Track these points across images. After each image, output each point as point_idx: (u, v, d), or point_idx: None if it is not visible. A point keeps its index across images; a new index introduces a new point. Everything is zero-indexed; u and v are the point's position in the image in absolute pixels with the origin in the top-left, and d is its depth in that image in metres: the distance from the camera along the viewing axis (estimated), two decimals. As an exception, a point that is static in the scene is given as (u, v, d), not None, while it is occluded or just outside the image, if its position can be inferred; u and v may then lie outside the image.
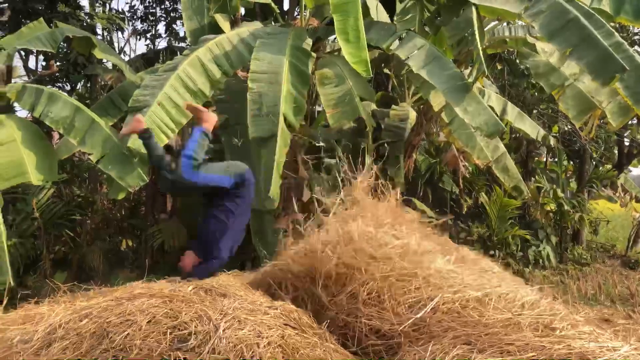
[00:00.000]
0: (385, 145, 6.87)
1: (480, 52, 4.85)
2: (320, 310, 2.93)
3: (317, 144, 8.27)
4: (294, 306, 2.75)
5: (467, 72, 5.55)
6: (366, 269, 3.00)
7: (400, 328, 2.73)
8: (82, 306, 2.97)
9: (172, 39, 9.59)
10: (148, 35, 9.93)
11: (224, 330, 2.28)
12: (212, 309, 2.44)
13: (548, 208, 8.57)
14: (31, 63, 8.90)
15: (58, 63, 7.74)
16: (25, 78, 8.84)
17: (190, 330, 2.30)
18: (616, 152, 10.14)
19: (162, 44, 10.20)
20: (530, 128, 7.21)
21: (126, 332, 2.31)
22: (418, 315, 2.73)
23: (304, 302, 3.01)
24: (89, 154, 4.90)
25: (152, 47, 9.86)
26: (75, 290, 3.86)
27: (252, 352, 2.22)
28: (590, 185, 9.18)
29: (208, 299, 2.58)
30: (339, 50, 5.61)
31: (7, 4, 7.73)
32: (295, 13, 7.04)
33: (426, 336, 2.65)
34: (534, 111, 9.15)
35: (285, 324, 2.47)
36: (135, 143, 4.52)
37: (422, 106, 6.88)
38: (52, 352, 2.30)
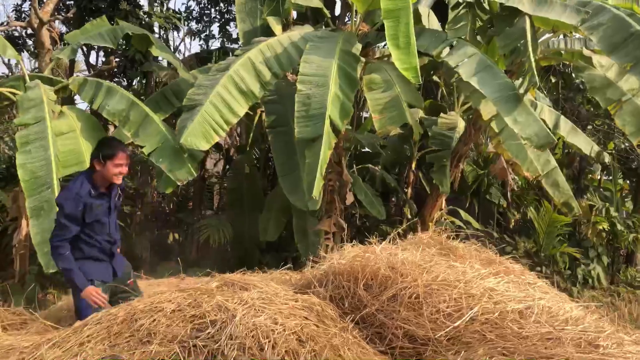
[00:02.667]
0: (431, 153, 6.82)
1: (533, 63, 4.74)
2: (359, 307, 2.94)
3: (362, 150, 8.30)
4: (326, 301, 2.78)
5: (518, 82, 5.43)
6: (410, 275, 3.00)
7: (437, 335, 2.70)
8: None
9: (225, 39, 9.81)
10: (202, 35, 10.20)
11: (240, 318, 2.34)
12: (232, 300, 2.53)
13: (600, 227, 8.25)
14: (92, 58, 9.33)
15: (117, 59, 8.06)
16: (86, 72, 9.27)
17: (210, 318, 2.41)
18: (677, 172, 9.66)
19: (215, 44, 10.50)
20: (584, 144, 6.97)
21: (152, 318, 2.44)
22: (455, 324, 2.70)
23: (344, 298, 3.02)
24: (142, 147, 5.09)
25: (205, 47, 10.12)
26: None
27: (268, 337, 2.26)
28: (647, 206, 8.79)
29: (230, 292, 2.67)
30: (388, 56, 5.62)
31: (73, 1, 8.12)
32: (346, 18, 7.09)
33: (461, 346, 2.62)
34: (589, 127, 8.84)
35: (306, 315, 2.51)
36: (187, 140, 4.66)
37: (471, 116, 6.77)
38: (84, 334, 2.43)
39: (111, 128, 8.05)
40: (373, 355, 2.63)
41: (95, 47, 8.79)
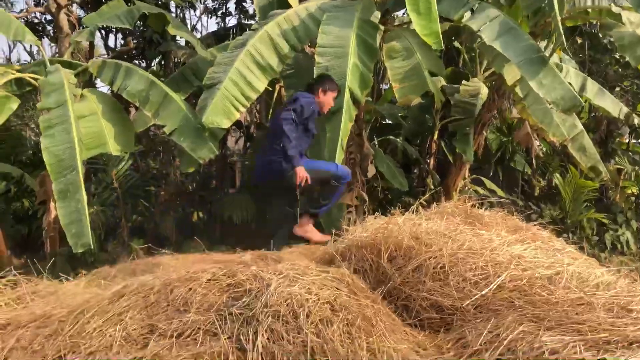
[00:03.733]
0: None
1: (559, 23, 4.58)
2: (384, 280, 2.93)
3: (383, 121, 8.22)
4: (351, 273, 2.78)
5: (543, 44, 5.27)
6: (435, 244, 2.98)
7: (463, 304, 2.68)
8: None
9: (242, 16, 9.72)
10: (219, 13, 10.12)
11: (275, 287, 2.38)
12: (266, 270, 2.57)
13: (629, 191, 8.08)
14: (110, 41, 9.36)
15: (134, 40, 8.06)
16: (105, 55, 9.31)
17: (245, 287, 2.46)
18: None
19: (232, 21, 10.43)
20: (612, 106, 6.76)
21: (188, 287, 2.48)
22: (482, 293, 2.67)
23: (368, 272, 3.02)
24: (163, 127, 5.11)
25: (222, 24, 10.04)
26: (151, 256, 4.10)
27: (302, 306, 2.29)
28: (678, 168, 8.53)
29: (263, 264, 2.69)
30: (408, 23, 5.49)
31: (88, -17, 8.11)
32: (364, -14, 6.93)
33: (488, 314, 2.60)
34: (617, 88, 8.58)
35: (337, 286, 2.52)
36: (209, 118, 4.66)
37: (494, 81, 6.62)
38: (122, 304, 2.48)
39: (132, 110, 8.11)
40: (402, 327, 2.63)
41: (113, 29, 8.81)
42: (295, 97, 4.36)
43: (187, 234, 7.01)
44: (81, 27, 7.20)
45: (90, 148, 4.82)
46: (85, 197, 4.25)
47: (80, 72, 5.58)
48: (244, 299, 2.38)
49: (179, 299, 2.44)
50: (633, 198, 8.08)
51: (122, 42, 8.99)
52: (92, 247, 4.30)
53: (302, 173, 4.17)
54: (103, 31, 8.90)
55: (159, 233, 6.88)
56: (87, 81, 6.41)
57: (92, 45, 8.32)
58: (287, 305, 2.29)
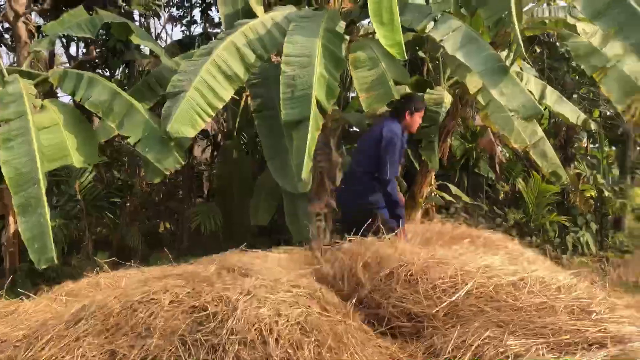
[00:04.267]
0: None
1: (518, 33, 4.71)
2: (356, 288, 2.96)
3: (350, 129, 8.27)
4: (324, 282, 2.78)
5: (504, 54, 5.40)
6: (408, 253, 3.03)
7: (433, 311, 2.73)
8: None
9: (207, 24, 9.67)
10: (184, 21, 10.05)
11: (242, 311, 2.31)
12: (233, 288, 2.49)
13: (588, 194, 8.34)
14: (72, 50, 9.17)
15: (97, 49, 7.92)
16: (67, 65, 9.11)
17: (210, 311, 2.36)
18: (662, 137, 9.76)
19: (197, 30, 10.37)
20: (570, 112, 6.99)
21: (150, 311, 2.40)
22: (450, 300, 2.73)
23: (344, 278, 3.04)
24: (127, 138, 5.03)
25: (187, 33, 9.97)
26: (116, 269, 4.03)
27: (271, 330, 2.24)
28: (634, 172, 8.88)
29: (229, 279, 2.64)
30: (373, 33, 5.56)
31: (48, -8, 7.93)
32: (329, -4, 6.99)
33: (457, 320, 2.65)
34: (574, 95, 8.87)
35: (308, 303, 2.50)
36: (173, 127, 4.61)
37: (457, 90, 6.75)
38: (80, 329, 2.40)
39: (96, 120, 7.95)
40: (376, 340, 2.65)
41: (75, 38, 8.63)
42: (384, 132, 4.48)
43: (153, 246, 6.91)
44: (41, 36, 7.04)
45: (52, 160, 4.69)
46: (47, 211, 4.15)
47: (40, 82, 5.45)
48: (209, 325, 2.30)
49: (141, 324, 2.35)
50: (592, 201, 8.34)
51: (84, 50, 8.82)
52: (56, 261, 4.19)
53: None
54: (64, 40, 8.71)
55: (125, 245, 6.75)
56: (47, 91, 6.25)
57: (52, 54, 8.14)
58: (255, 330, 2.23)
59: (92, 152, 5.09)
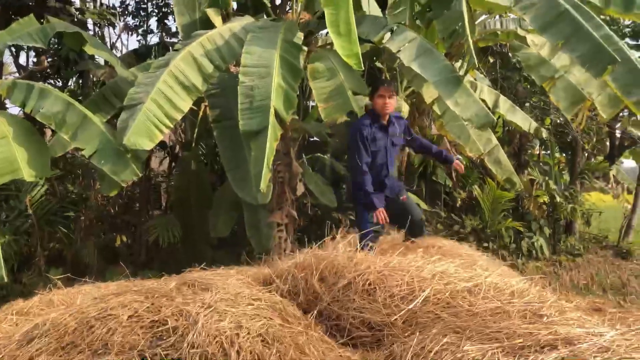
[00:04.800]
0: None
1: (471, 45, 4.87)
2: (314, 301, 2.96)
3: (310, 139, 8.31)
4: (281, 297, 2.78)
5: (458, 65, 5.56)
6: (364, 262, 3.05)
7: (393, 319, 2.76)
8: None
9: (164, 34, 9.54)
10: (140, 30, 9.88)
11: (202, 324, 2.29)
12: (193, 302, 2.46)
13: (541, 200, 8.62)
14: (22, 59, 8.87)
15: (49, 59, 7.70)
16: (16, 74, 8.81)
17: (170, 325, 2.33)
18: (608, 143, 10.20)
19: (154, 39, 10.21)
20: (523, 121, 7.24)
21: (107, 327, 2.34)
22: (409, 307, 2.77)
23: (300, 292, 3.03)
24: (82, 150, 4.90)
25: (144, 42, 9.81)
26: (70, 286, 3.90)
27: (232, 343, 2.23)
28: (583, 177, 9.22)
29: (190, 293, 2.60)
30: (331, 44, 5.62)
31: (-4, 0, 7.68)
32: (287, 7, 7.03)
33: (416, 327, 2.69)
34: (526, 104, 9.18)
35: (270, 315, 2.49)
36: (130, 140, 4.52)
37: (414, 100, 6.89)
38: (32, 348, 2.32)
39: (48, 132, 7.71)
40: (337, 350, 2.66)
41: (25, 47, 8.37)
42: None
43: (110, 260, 6.73)
44: (-11, 46, 6.80)
45: (1, 175, 4.53)
46: (-5, 227, 4.00)
47: (-13, 93, 5.25)
48: (169, 339, 2.27)
49: (98, 340, 2.29)
50: (545, 206, 8.62)
51: (35, 60, 8.55)
52: (5, 279, 4.03)
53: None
54: (13, 49, 8.43)
55: (80, 261, 6.55)
56: (-5, 103, 6.05)
57: (0, 64, 7.87)
58: (216, 343, 2.22)
59: (44, 165, 4.92)
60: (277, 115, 4.53)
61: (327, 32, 5.42)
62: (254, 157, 4.41)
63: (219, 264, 4.10)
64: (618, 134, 9.76)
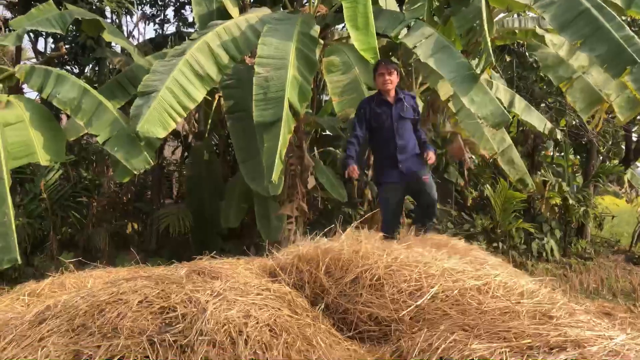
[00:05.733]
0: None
1: (489, 43, 4.82)
2: (321, 294, 2.96)
3: (322, 133, 8.30)
4: (290, 289, 2.78)
5: (475, 62, 5.52)
6: (371, 257, 3.04)
7: (401, 315, 2.76)
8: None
9: (180, 24, 9.56)
10: (157, 19, 9.91)
11: (211, 312, 2.30)
12: (203, 290, 2.47)
13: (553, 202, 8.54)
14: (40, 45, 8.94)
15: (67, 45, 7.75)
16: (34, 60, 8.88)
17: (179, 312, 2.34)
18: (623, 147, 10.07)
19: (170, 28, 10.23)
20: (538, 121, 7.17)
21: (118, 311, 2.36)
22: (417, 303, 2.76)
23: (306, 285, 3.04)
24: (97, 137, 4.94)
25: (160, 32, 9.84)
26: (81, 270, 3.95)
27: (240, 332, 2.24)
28: (597, 180, 9.11)
29: (199, 281, 2.62)
30: (347, 38, 5.61)
31: (17, -14, 7.75)
32: (304, 0, 7.02)
33: (423, 323, 2.68)
34: (542, 104, 9.09)
35: (278, 306, 2.50)
36: (144, 127, 4.55)
37: (429, 96, 6.85)
38: (43, 329, 2.34)
39: (64, 117, 7.78)
40: (344, 343, 2.66)
41: (43, 33, 8.43)
42: None
43: (120, 247, 6.79)
44: (7, 30, 6.87)
45: (17, 158, 4.58)
46: (12, 210, 4.06)
47: (5, 77, 5.31)
48: (178, 325, 2.28)
49: (108, 324, 2.31)
50: (557, 208, 8.55)
51: (53, 46, 8.62)
52: (19, 261, 4.09)
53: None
54: (32, 34, 8.50)
55: (91, 246, 6.62)
56: (13, 87, 6.10)
57: (19, 49, 7.94)
58: (225, 331, 2.22)
59: (59, 150, 4.99)
60: (291, 107, 4.54)
61: (344, 26, 5.41)
62: (266, 148, 4.43)
63: (229, 254, 4.13)
64: (634, 137, 9.63)
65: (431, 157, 4.66)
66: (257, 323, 2.32)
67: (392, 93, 4.69)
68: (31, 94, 8.22)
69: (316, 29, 5.15)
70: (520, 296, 2.70)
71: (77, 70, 8.10)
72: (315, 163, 6.33)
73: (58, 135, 5.12)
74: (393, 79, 4.65)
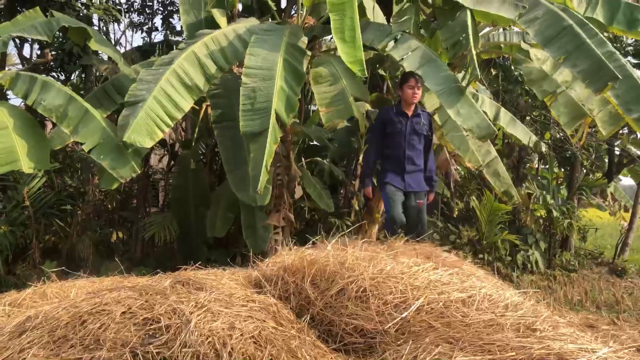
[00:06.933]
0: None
1: (474, 56, 4.89)
2: (306, 306, 2.95)
3: (310, 143, 8.32)
4: (275, 300, 2.77)
5: (461, 75, 5.58)
6: (357, 268, 3.04)
7: (386, 327, 2.76)
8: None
9: (168, 32, 9.57)
10: (144, 28, 9.91)
11: (195, 324, 2.29)
12: (187, 301, 2.46)
13: (538, 214, 8.63)
14: (26, 51, 8.88)
15: (53, 52, 7.71)
16: (20, 66, 8.81)
17: (163, 324, 2.32)
18: (606, 160, 10.22)
19: (158, 37, 10.24)
20: (523, 134, 7.25)
21: (100, 323, 2.33)
22: (402, 316, 2.76)
23: (291, 296, 3.03)
24: (82, 144, 4.90)
25: (148, 40, 9.83)
26: (64, 279, 3.89)
27: (224, 344, 2.22)
28: (580, 193, 9.23)
29: (184, 292, 2.60)
30: (335, 49, 5.63)
31: (3, -9, 7.70)
32: (292, 11, 7.07)
33: (409, 336, 2.68)
34: (527, 117, 9.20)
35: (263, 317, 2.49)
36: (131, 137, 4.53)
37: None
38: (23, 340, 2.31)
39: (49, 124, 7.71)
40: (329, 355, 2.65)
41: (29, 39, 8.37)
42: None
43: (105, 256, 6.72)
44: (-7, 36, 6.79)
45: (0, 165, 4.52)
46: (-8, 218, 3.99)
47: (-10, 83, 5.25)
48: (161, 337, 2.26)
49: (90, 335, 2.28)
50: (541, 221, 8.63)
51: (39, 52, 8.56)
52: (0, 270, 4.03)
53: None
54: (18, 40, 8.44)
55: (75, 254, 6.54)
56: (-2, 93, 6.04)
57: (4, 55, 7.87)
58: (209, 343, 2.21)
59: (44, 157, 4.93)
60: (278, 118, 4.55)
61: (331, 38, 5.45)
62: (252, 158, 4.43)
63: (215, 263, 4.11)
64: (617, 151, 9.78)
65: (430, 198, 5.34)
66: (242, 335, 2.30)
67: (412, 107, 5.11)
68: (16, 100, 8.14)
69: (304, 40, 5.18)
70: (504, 309, 2.72)
71: (63, 78, 8.05)
72: (303, 173, 6.34)
73: (42, 142, 5.06)
74: (419, 94, 5.09)
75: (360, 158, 7.52)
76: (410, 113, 5.11)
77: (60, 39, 7.48)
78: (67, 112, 4.88)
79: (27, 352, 2.25)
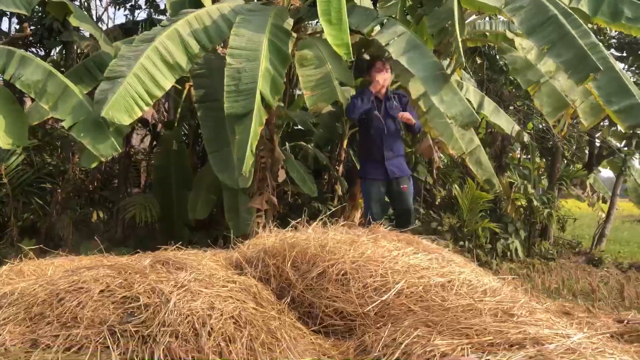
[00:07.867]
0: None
1: (459, 43, 4.87)
2: (287, 288, 2.96)
3: (294, 127, 8.28)
4: (256, 282, 2.77)
5: (446, 62, 5.58)
6: (338, 251, 3.05)
7: (366, 310, 2.77)
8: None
9: (152, 10, 9.37)
10: (127, 5, 9.68)
11: (175, 303, 2.28)
12: (167, 281, 2.44)
13: (519, 203, 8.72)
14: (4, 26, 8.66)
15: (32, 27, 7.51)
16: (-2, 41, 8.58)
17: (142, 302, 2.31)
18: (587, 152, 10.35)
19: (142, 15, 10.03)
20: (506, 123, 7.30)
21: (78, 300, 2.30)
22: (382, 299, 2.78)
23: (272, 278, 3.03)
24: (62, 121, 4.81)
25: (131, 17, 9.62)
26: (43, 257, 3.84)
27: (204, 323, 2.22)
28: (561, 184, 9.35)
29: (164, 272, 2.59)
30: (321, 32, 5.59)
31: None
32: (279, -8, 6.96)
33: (388, 319, 2.71)
34: (511, 107, 9.25)
35: (243, 298, 2.48)
36: (109, 113, 4.44)
37: (400, 94, 6.89)
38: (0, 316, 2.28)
39: (28, 101, 7.54)
40: (309, 336, 2.66)
41: (8, 13, 8.15)
42: None
43: (85, 235, 6.64)
44: (-30, 9, 6.61)
45: (-23, 141, 4.43)
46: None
47: (-34, 57, 5.10)
48: (140, 315, 2.25)
49: (67, 313, 2.26)
50: (522, 210, 8.72)
51: (17, 27, 8.34)
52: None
53: None
54: (-4, 14, 8.21)
55: (54, 233, 6.45)
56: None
57: (-19, 28, 7.66)
58: (188, 323, 2.21)
59: (22, 134, 4.83)
60: (263, 100, 4.50)
61: (317, 22, 5.39)
62: (238, 140, 4.38)
63: (196, 245, 4.08)
64: (597, 143, 9.91)
65: (405, 115, 5.18)
66: (222, 315, 2.30)
67: (384, 91, 5.17)
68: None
69: (289, 22, 5.12)
70: (483, 294, 2.75)
71: (43, 53, 7.86)
72: (286, 157, 6.31)
73: (20, 118, 4.96)
74: (388, 77, 5.19)
75: (345, 143, 7.52)
76: (382, 97, 5.23)
77: (40, 14, 7.29)
78: (45, 88, 4.77)
79: (2, 329, 2.22)
